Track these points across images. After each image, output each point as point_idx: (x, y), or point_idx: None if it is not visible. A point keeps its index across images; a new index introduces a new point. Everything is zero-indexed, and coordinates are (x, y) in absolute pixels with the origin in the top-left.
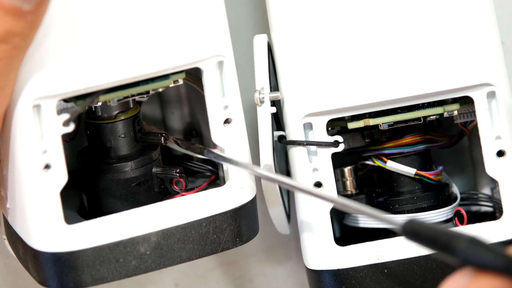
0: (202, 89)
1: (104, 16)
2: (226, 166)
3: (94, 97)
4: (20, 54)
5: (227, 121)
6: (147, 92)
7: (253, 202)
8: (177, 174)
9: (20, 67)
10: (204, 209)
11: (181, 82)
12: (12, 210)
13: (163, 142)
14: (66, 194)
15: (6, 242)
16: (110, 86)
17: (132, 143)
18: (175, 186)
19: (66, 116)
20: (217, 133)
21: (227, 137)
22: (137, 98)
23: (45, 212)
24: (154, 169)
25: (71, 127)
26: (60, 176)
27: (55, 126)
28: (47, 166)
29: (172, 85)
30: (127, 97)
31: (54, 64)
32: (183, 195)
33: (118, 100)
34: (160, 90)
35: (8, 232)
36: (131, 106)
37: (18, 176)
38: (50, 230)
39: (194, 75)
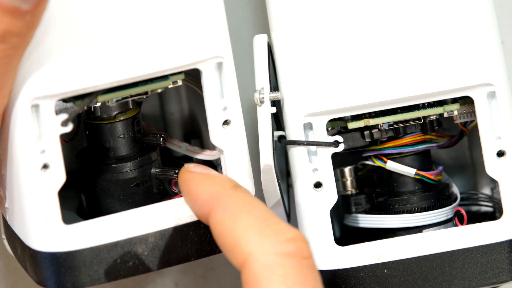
0: (201, 90)
1: (103, 17)
2: (224, 166)
3: (92, 98)
4: (18, 53)
5: (226, 123)
6: (146, 93)
7: None
8: (176, 175)
9: (18, 66)
10: None
11: (180, 83)
12: (11, 210)
13: (162, 143)
14: (65, 195)
15: (5, 242)
16: (108, 86)
17: (131, 143)
18: (174, 187)
19: (64, 116)
20: (216, 134)
21: (226, 138)
22: (136, 98)
23: (43, 212)
24: (153, 170)
25: (69, 127)
26: (58, 176)
27: (54, 126)
28: (45, 166)
29: (171, 86)
30: (126, 97)
31: (52, 64)
32: (181, 196)
33: (117, 101)
34: (159, 91)
35: (7, 232)
36: (131, 107)
37: (16, 175)
38: (48, 230)
39: (193, 76)
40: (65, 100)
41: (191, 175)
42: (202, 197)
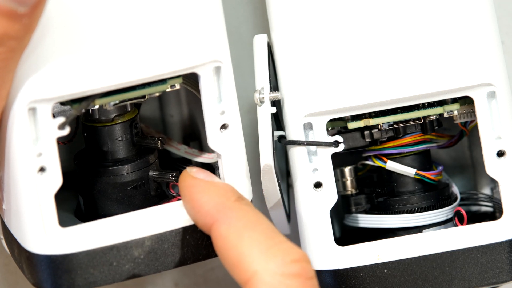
0: (200, 93)
1: (101, 21)
2: (221, 170)
3: (90, 101)
4: (15, 57)
5: (223, 127)
6: (144, 97)
7: None
8: (173, 178)
9: (15, 70)
10: None
11: (178, 86)
12: (8, 212)
13: (159, 146)
14: (63, 196)
15: (3, 242)
16: (106, 90)
17: (129, 146)
18: (172, 190)
19: (61, 119)
20: (214, 138)
21: (223, 142)
22: (134, 102)
23: (39, 215)
24: (150, 173)
25: (66, 131)
26: (55, 179)
27: (51, 129)
28: (42, 169)
29: (169, 89)
30: (124, 101)
31: (50, 67)
32: (179, 199)
33: (114, 104)
34: (157, 94)
35: (4, 233)
36: (129, 110)
37: (13, 178)
38: (44, 232)
39: (191, 79)
40: (62, 103)
41: (194, 182)
42: (206, 207)
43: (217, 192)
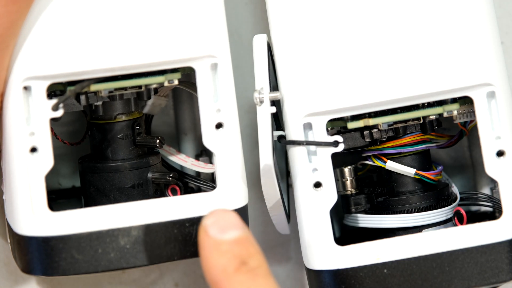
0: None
1: (100, 3)
2: (216, 170)
3: (84, 84)
4: (22, 18)
5: (219, 125)
6: (140, 87)
7: (243, 210)
8: (170, 179)
9: (14, 45)
10: (188, 210)
11: (176, 82)
12: (6, 201)
13: (158, 145)
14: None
15: (10, 246)
16: (99, 73)
17: (130, 146)
18: (170, 193)
19: (55, 100)
20: (208, 137)
21: (218, 141)
22: (131, 92)
23: (28, 195)
24: (149, 174)
25: (60, 112)
26: (46, 160)
27: (44, 109)
28: (33, 149)
29: (167, 84)
30: (120, 89)
31: (46, 45)
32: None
33: (110, 92)
34: (154, 86)
35: (9, 234)
36: (133, 110)
37: (7, 159)
38: (33, 213)
39: (193, 83)
40: (58, 86)
41: (204, 240)
42: (212, 272)
43: (222, 257)
